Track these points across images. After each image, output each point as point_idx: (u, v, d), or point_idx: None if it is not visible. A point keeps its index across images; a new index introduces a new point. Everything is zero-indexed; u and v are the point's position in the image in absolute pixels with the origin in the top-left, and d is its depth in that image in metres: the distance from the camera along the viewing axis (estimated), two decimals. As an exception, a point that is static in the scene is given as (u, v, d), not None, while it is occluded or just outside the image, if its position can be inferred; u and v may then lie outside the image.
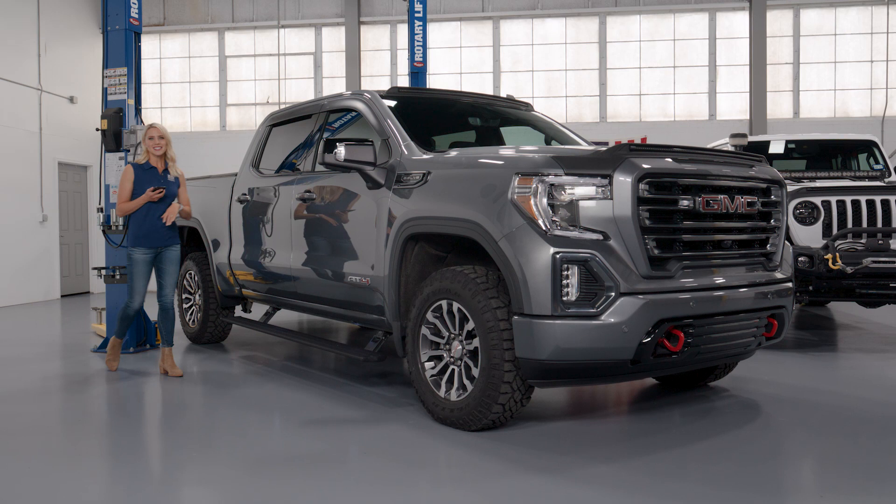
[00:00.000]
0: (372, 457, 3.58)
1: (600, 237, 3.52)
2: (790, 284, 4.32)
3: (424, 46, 10.50)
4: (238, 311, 7.16)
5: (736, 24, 12.52)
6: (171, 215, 5.42)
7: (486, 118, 5.60)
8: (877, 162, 7.91)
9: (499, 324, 3.66)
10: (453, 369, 3.99)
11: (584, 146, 5.20)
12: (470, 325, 3.83)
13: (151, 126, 5.57)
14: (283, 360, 6.27)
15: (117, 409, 4.80)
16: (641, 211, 3.58)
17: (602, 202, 3.55)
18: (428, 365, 4.12)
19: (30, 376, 5.73)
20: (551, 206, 3.55)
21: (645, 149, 3.81)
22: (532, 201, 3.55)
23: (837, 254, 5.86)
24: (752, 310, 3.99)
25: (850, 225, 6.15)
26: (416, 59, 10.37)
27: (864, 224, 6.13)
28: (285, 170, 5.80)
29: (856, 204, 6.17)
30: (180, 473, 3.51)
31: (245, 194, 6.06)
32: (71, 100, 12.44)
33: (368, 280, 4.57)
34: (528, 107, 5.91)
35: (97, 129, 6.74)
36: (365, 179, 4.58)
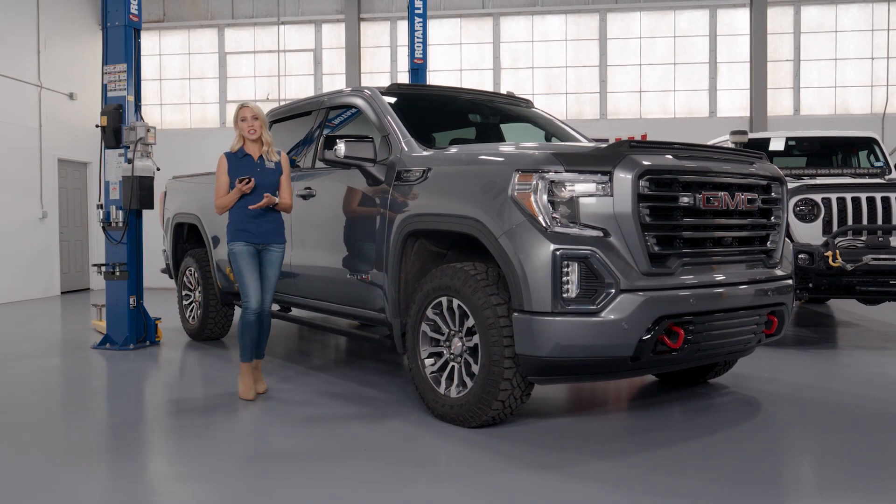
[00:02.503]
0: (372, 453, 3.58)
1: (600, 234, 3.52)
2: (790, 281, 4.32)
3: (424, 43, 10.48)
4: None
5: (736, 20, 12.50)
6: (263, 203, 4.57)
7: (487, 115, 5.59)
8: (877, 159, 7.90)
9: (499, 320, 3.66)
10: (453, 366, 3.99)
11: (585, 143, 5.20)
12: (470, 322, 3.83)
13: (243, 106, 4.72)
14: (283, 356, 6.27)
15: (117, 406, 4.80)
16: (642, 208, 3.58)
17: (602, 199, 3.55)
18: (428, 362, 4.12)
19: (30, 373, 5.73)
20: (551, 202, 3.54)
21: (645, 145, 3.82)
22: (532, 198, 3.55)
23: (837, 251, 5.86)
24: (752, 307, 3.99)
25: (850, 222, 6.15)
26: (416, 55, 10.35)
27: (865, 221, 6.13)
28: (285, 166, 5.79)
29: (856, 201, 6.18)
30: (178, 470, 3.51)
31: (245, 191, 6.05)
32: (71, 96, 12.42)
33: (368, 277, 4.57)
34: (529, 103, 5.90)
35: (97, 126, 6.73)
36: (365, 176, 4.57)
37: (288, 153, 5.86)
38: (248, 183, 4.54)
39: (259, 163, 4.69)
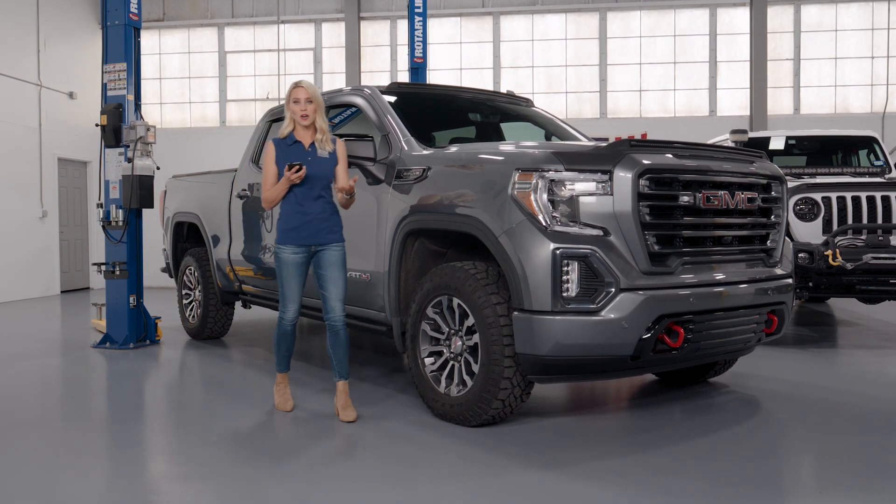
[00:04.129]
0: (372, 453, 3.58)
1: (600, 233, 3.52)
2: (790, 280, 4.32)
3: (424, 42, 10.47)
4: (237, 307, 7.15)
5: (736, 20, 12.49)
6: (348, 198, 4.02)
7: (487, 114, 5.59)
8: (877, 158, 7.90)
9: (499, 319, 3.66)
10: (453, 365, 3.99)
11: (585, 142, 5.19)
12: (470, 321, 3.83)
13: (296, 86, 4.10)
14: (283, 355, 6.26)
15: (117, 406, 4.80)
16: (642, 207, 3.58)
17: (602, 198, 3.55)
18: (428, 361, 4.12)
19: (30, 372, 5.73)
20: (551, 201, 3.54)
21: (645, 145, 3.81)
22: (532, 197, 3.54)
23: (837, 250, 5.86)
24: (752, 306, 3.99)
25: (850, 221, 6.15)
26: (416, 54, 10.35)
27: (865, 220, 6.13)
28: (285, 165, 5.78)
29: (856, 200, 6.17)
30: (178, 469, 3.51)
31: (245, 190, 6.06)
32: (70, 95, 12.42)
33: (368, 276, 4.57)
34: (529, 103, 5.90)
35: (97, 125, 6.73)
36: (365, 175, 4.57)
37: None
38: (298, 170, 3.95)
39: (310, 151, 4.11)
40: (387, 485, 3.14)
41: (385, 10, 13.12)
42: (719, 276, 3.86)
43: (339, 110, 5.39)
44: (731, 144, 7.37)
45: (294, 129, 4.13)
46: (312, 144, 4.12)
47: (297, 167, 3.95)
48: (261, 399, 4.69)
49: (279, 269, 4.17)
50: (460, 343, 3.93)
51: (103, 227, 6.69)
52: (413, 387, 4.41)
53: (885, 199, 6.15)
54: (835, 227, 6.14)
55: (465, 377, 3.89)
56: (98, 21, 12.69)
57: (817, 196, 6.24)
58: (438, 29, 12.97)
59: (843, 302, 9.24)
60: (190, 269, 7.08)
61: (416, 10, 10.38)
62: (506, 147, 4.04)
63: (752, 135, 7.99)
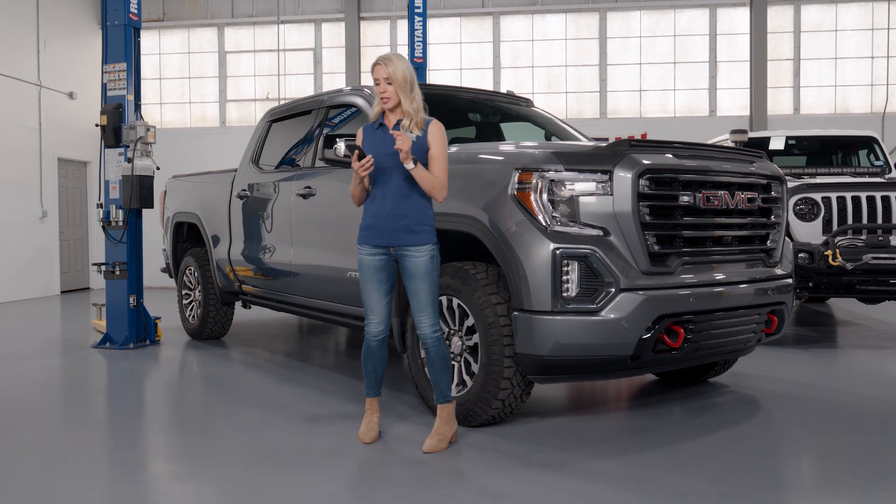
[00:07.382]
0: (371, 452, 3.58)
1: (600, 233, 3.52)
2: (790, 281, 4.32)
3: (424, 42, 10.47)
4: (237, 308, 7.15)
5: (736, 20, 12.49)
6: (363, 164, 3.37)
7: (487, 114, 5.59)
8: (877, 158, 7.90)
9: (499, 319, 3.66)
10: (453, 365, 3.99)
11: (585, 142, 5.20)
12: (470, 321, 3.83)
13: (375, 63, 3.49)
14: (283, 356, 6.27)
15: (117, 405, 4.80)
16: (641, 207, 3.58)
17: (602, 198, 3.55)
18: (428, 361, 4.11)
19: (30, 372, 5.73)
20: (551, 201, 3.55)
21: (645, 145, 3.81)
22: (532, 197, 3.55)
23: (837, 250, 5.86)
24: (752, 306, 3.99)
25: (850, 221, 6.15)
26: (416, 54, 10.35)
27: (865, 220, 6.13)
28: (285, 166, 5.80)
29: (856, 200, 6.18)
30: (179, 468, 3.51)
31: (245, 190, 6.06)
32: (70, 96, 12.42)
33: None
34: (529, 103, 5.90)
35: (97, 125, 6.73)
36: (365, 175, 4.56)
37: (288, 152, 5.85)
38: (364, 161, 3.35)
39: (391, 135, 3.46)
40: (386, 484, 3.14)
41: (385, 10, 13.12)
42: (719, 276, 3.86)
43: (339, 110, 5.39)
44: (731, 144, 7.37)
45: (383, 112, 3.59)
46: (398, 126, 3.48)
47: (358, 153, 3.31)
48: (260, 398, 4.69)
49: (359, 275, 3.64)
50: (460, 343, 3.93)
51: (103, 227, 6.69)
52: (413, 386, 4.41)
53: (885, 199, 6.15)
54: (835, 227, 6.15)
55: (465, 377, 3.90)
56: (98, 21, 12.70)
57: (817, 196, 6.24)
58: (438, 29, 12.97)
59: (843, 302, 9.24)
60: (190, 270, 7.08)
61: (416, 10, 10.38)
62: (506, 147, 4.04)
63: (752, 135, 7.99)
